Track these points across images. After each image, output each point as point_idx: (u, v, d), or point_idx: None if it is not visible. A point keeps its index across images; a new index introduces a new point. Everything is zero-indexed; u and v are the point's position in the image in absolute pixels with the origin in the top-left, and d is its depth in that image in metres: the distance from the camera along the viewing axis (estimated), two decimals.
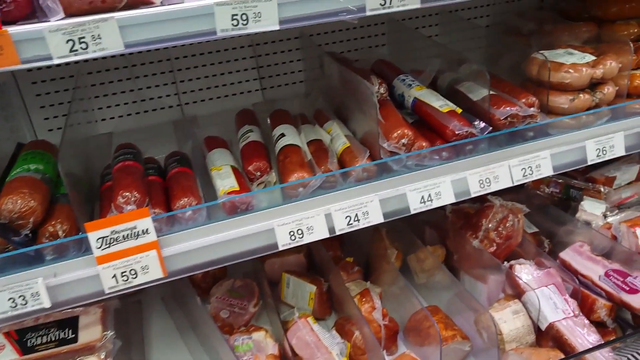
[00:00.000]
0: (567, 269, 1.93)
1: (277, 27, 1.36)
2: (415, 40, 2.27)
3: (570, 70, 1.79)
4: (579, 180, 2.43)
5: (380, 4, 1.43)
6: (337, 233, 1.63)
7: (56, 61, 1.22)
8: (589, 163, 1.86)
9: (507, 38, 2.54)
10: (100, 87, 2.24)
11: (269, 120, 2.00)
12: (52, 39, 1.20)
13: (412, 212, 1.69)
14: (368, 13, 1.42)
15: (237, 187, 1.60)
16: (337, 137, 1.85)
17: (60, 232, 1.47)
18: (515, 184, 1.79)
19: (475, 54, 2.55)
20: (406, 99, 1.93)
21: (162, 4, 1.29)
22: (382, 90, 1.81)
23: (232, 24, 1.32)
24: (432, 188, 1.71)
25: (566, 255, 1.96)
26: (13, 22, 1.24)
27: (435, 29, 2.63)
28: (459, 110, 1.79)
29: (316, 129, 1.97)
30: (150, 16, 1.26)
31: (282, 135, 1.84)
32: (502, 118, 1.72)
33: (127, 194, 1.49)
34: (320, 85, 2.31)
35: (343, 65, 1.96)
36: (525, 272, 1.85)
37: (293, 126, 1.93)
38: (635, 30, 2.23)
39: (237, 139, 1.98)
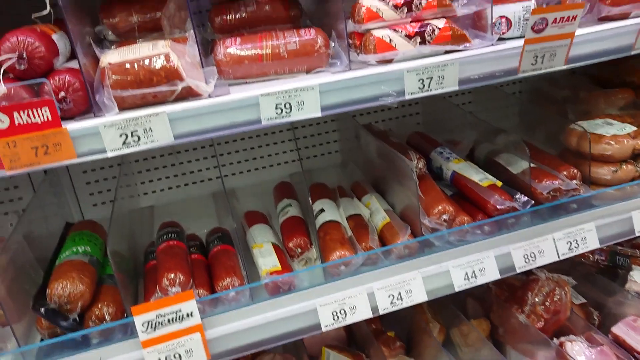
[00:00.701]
0: (622, 346, 1.84)
1: (319, 114, 1.40)
2: (449, 110, 2.29)
3: (611, 142, 1.78)
4: (625, 247, 2.35)
5: (419, 88, 1.46)
6: (381, 313, 1.61)
7: (110, 154, 1.28)
8: (637, 234, 1.81)
9: (540, 106, 2.55)
10: (144, 162, 2.31)
11: (309, 194, 2.02)
12: (106, 133, 1.26)
13: (457, 289, 1.66)
14: (407, 97, 1.45)
15: (279, 267, 1.60)
16: (376, 212, 1.86)
17: (106, 315, 1.49)
18: (561, 258, 1.75)
19: (509, 122, 2.54)
20: (444, 171, 1.93)
21: (210, 97, 1.35)
22: (420, 165, 1.82)
23: (276, 113, 1.37)
24: (475, 264, 1.68)
25: (619, 330, 1.88)
26: (71, 118, 1.31)
27: (469, 96, 2.65)
28: (499, 184, 1.78)
29: (355, 202, 1.98)
30: (199, 109, 1.32)
31: (322, 210, 1.85)
32: (544, 193, 1.70)
33: (171, 276, 1.51)
34: (356, 156, 2.34)
35: (380, 139, 1.99)
36: (577, 349, 1.77)
37: (332, 200, 1.95)
38: None
39: (277, 213, 2.00)
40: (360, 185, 2.07)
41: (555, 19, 1.43)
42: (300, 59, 1.46)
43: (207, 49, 1.61)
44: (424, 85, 1.46)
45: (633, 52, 1.61)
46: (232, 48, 1.44)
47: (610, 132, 1.81)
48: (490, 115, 2.54)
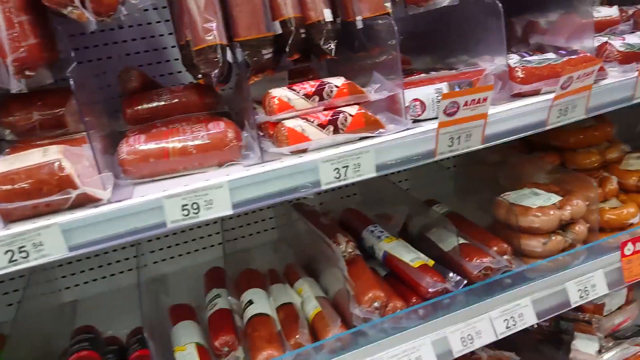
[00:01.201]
0: None
1: (230, 212, 1.32)
2: (384, 184, 2.26)
3: (538, 214, 1.77)
4: (568, 311, 2.32)
5: (336, 177, 1.41)
6: None
7: None
8: (573, 306, 1.78)
9: (475, 170, 2.56)
10: None
11: (236, 282, 1.92)
12: None
13: None
14: (323, 187, 1.40)
15: None
16: (308, 300, 1.76)
17: None
18: (500, 337, 1.69)
19: (446, 189, 2.54)
20: (376, 251, 1.87)
21: (109, 202, 1.25)
22: (349, 248, 1.75)
23: (183, 215, 1.28)
24: (411, 353, 1.60)
25: None
26: None
27: None
28: (431, 263, 1.73)
29: (287, 289, 1.88)
30: (97, 217, 1.22)
31: (250, 302, 1.75)
32: (475, 272, 1.65)
33: None
34: (290, 236, 2.26)
35: (310, 220, 1.93)
36: None
37: (262, 288, 1.85)
38: (596, 158, 2.26)
39: (205, 304, 1.88)
40: (293, 269, 1.98)
41: (467, 101, 1.43)
42: (210, 154, 1.40)
43: (118, 141, 1.52)
44: (340, 175, 1.41)
45: (547, 128, 1.62)
46: (136, 146, 1.36)
47: (537, 203, 1.80)
48: (428, 184, 2.53)
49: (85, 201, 1.25)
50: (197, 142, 1.38)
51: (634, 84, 1.70)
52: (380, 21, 1.52)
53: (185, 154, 1.37)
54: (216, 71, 1.37)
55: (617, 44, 1.75)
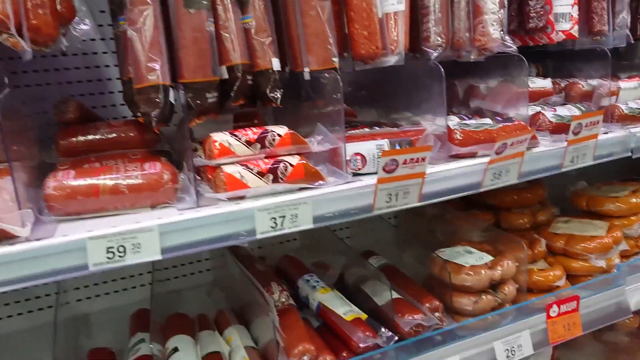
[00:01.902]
0: None
1: (159, 257, 1.27)
2: (323, 233, 2.25)
3: (470, 272, 1.80)
4: None
5: (272, 227, 1.39)
6: None
7: None
8: None
9: (414, 222, 2.60)
10: None
11: (163, 326, 1.83)
12: None
13: None
14: (259, 237, 1.38)
15: None
16: (236, 349, 1.70)
17: None
18: None
19: (386, 237, 2.56)
20: (311, 302, 1.84)
21: (27, 239, 1.18)
22: (283, 298, 1.72)
23: (107, 258, 1.22)
24: None
25: None
26: None
27: None
28: (364, 317, 1.71)
29: (215, 337, 1.81)
30: (11, 254, 1.14)
31: (175, 350, 1.67)
32: (406, 329, 1.65)
33: None
34: (225, 279, 2.21)
35: (245, 266, 1.89)
36: None
37: (189, 335, 1.77)
38: (528, 219, 2.34)
39: (128, 349, 1.79)
40: (225, 316, 1.92)
41: (405, 160, 1.46)
42: (143, 194, 1.35)
43: (47, 173, 1.45)
44: (276, 224, 1.39)
45: (482, 189, 1.67)
46: (64, 181, 1.30)
47: (469, 262, 1.84)
48: (369, 234, 2.54)
49: (2, 237, 1.17)
50: (130, 182, 1.33)
51: (562, 153, 1.80)
52: (327, 74, 1.54)
53: (116, 193, 1.32)
54: (156, 111, 1.34)
55: (549, 114, 1.86)
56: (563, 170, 1.83)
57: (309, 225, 1.43)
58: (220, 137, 1.42)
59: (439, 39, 1.78)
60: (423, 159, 1.49)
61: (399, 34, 1.65)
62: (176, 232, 1.29)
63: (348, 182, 1.50)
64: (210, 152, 1.41)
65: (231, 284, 2.09)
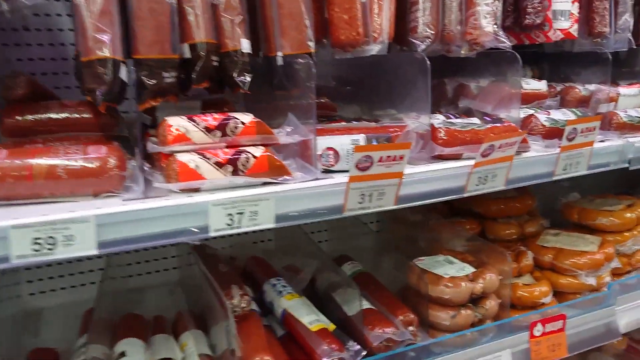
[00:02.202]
0: None
1: (94, 252, 1.13)
2: (297, 234, 2.11)
3: (449, 284, 1.66)
4: None
5: (228, 224, 1.25)
6: None
7: None
8: None
9: (395, 227, 2.46)
10: None
11: (115, 327, 1.68)
12: None
13: None
14: (212, 234, 1.23)
15: None
16: (189, 357, 1.56)
17: None
18: None
19: (366, 241, 2.42)
20: (276, 308, 1.70)
21: None
22: (243, 303, 1.58)
23: (34, 250, 1.08)
24: None
25: None
26: None
27: None
28: (332, 328, 1.57)
29: (169, 342, 1.66)
30: None
31: (122, 355, 1.52)
32: (375, 343, 1.51)
33: None
34: (189, 278, 2.06)
35: (208, 266, 1.74)
36: None
37: (141, 339, 1.63)
38: (515, 230, 2.21)
39: (75, 349, 1.64)
40: (183, 320, 1.77)
41: (381, 157, 1.32)
42: (84, 181, 1.20)
43: None
44: (233, 221, 1.25)
45: (465, 194, 1.54)
46: None
47: (449, 272, 1.70)
48: (348, 237, 2.40)
49: None
50: (69, 166, 1.19)
51: (555, 160, 1.66)
52: (300, 60, 1.40)
53: (53, 177, 1.18)
54: (103, 88, 1.20)
55: (542, 117, 1.72)
56: (555, 178, 1.70)
57: (270, 224, 1.29)
58: (176, 122, 1.28)
59: (428, 29, 1.65)
60: (401, 157, 1.35)
61: (382, 21, 1.51)
62: (117, 224, 1.14)
63: (317, 179, 1.36)
64: (163, 137, 1.27)
65: (194, 284, 1.94)
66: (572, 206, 2.25)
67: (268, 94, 1.60)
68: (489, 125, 1.58)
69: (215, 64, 1.38)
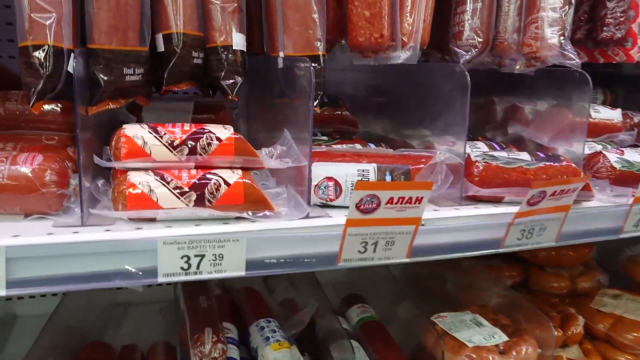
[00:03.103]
0: None
1: (2, 293, 0.88)
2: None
3: (473, 356, 1.33)
4: None
5: (183, 268, 0.97)
6: None
7: None
8: None
9: (422, 266, 2.14)
10: None
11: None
12: None
13: None
14: (161, 279, 0.96)
15: None
16: None
17: None
18: None
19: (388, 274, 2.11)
20: (259, 358, 1.42)
21: None
22: (215, 354, 1.30)
23: None
24: None
25: None
26: None
27: None
28: None
29: None
30: None
31: None
32: None
33: None
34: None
35: (188, 300, 1.49)
36: None
37: None
38: (566, 283, 1.85)
39: None
40: (154, 353, 1.52)
41: (392, 198, 1.01)
42: (7, 197, 0.96)
43: None
44: (190, 265, 0.97)
45: (502, 250, 1.20)
46: None
47: (475, 339, 1.37)
48: (366, 273, 2.10)
49: None
50: None
51: (624, 214, 1.30)
52: (302, 64, 1.11)
53: None
54: (39, 82, 0.94)
55: (612, 157, 1.36)
56: (623, 236, 1.33)
57: (238, 271, 1.01)
58: (134, 131, 1.01)
59: (475, 37, 1.32)
60: (419, 200, 1.03)
61: (415, 22, 1.19)
62: (31, 260, 0.89)
63: (308, 217, 1.06)
64: (116, 150, 1.01)
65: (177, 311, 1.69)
66: (638, 262, 1.85)
67: (271, 102, 1.32)
68: (541, 164, 1.23)
69: (197, 61, 1.11)
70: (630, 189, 1.31)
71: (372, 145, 1.30)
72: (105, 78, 1.00)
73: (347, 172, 1.12)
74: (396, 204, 1.03)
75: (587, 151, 1.43)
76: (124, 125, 1.03)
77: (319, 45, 1.14)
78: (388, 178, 1.12)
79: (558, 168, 1.23)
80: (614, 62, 1.50)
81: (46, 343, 1.40)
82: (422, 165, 1.15)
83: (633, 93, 1.96)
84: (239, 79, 1.14)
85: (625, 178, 1.34)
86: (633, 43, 1.44)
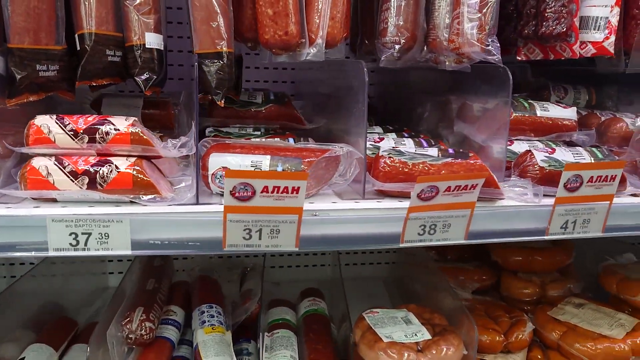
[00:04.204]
0: None
1: None
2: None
3: (389, 352, 1.33)
4: None
5: (72, 244, 1.07)
6: None
7: None
8: None
9: (404, 262, 2.14)
10: None
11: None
12: None
13: None
14: (52, 253, 1.07)
15: None
16: None
17: None
18: None
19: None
20: (193, 340, 1.50)
21: None
22: (142, 330, 1.39)
23: None
24: None
25: None
26: None
27: None
28: None
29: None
30: None
31: None
32: None
33: None
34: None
35: (139, 280, 1.60)
36: None
37: (55, 346, 1.53)
38: (534, 290, 1.78)
39: None
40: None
41: (267, 187, 1.06)
42: None
43: None
44: (78, 242, 1.07)
45: (403, 245, 1.20)
46: None
47: (395, 335, 1.37)
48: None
49: None
50: None
51: (547, 215, 1.25)
52: (207, 61, 1.18)
53: None
54: None
55: (539, 156, 1.30)
56: (549, 237, 1.28)
57: (124, 250, 1.09)
58: (42, 120, 1.13)
59: (399, 34, 1.33)
60: (295, 190, 1.07)
61: (321, 19, 1.23)
62: None
63: (198, 204, 1.13)
64: (26, 137, 1.13)
65: None
66: (614, 272, 1.73)
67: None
68: (446, 160, 1.22)
69: (114, 58, 1.22)
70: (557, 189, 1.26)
71: (291, 141, 1.35)
72: (20, 73, 1.13)
73: (240, 162, 1.17)
74: (272, 192, 1.07)
75: (520, 149, 1.39)
76: (38, 116, 1.15)
77: (222, 43, 1.21)
78: (280, 169, 1.16)
79: (463, 165, 1.21)
80: (562, 57, 1.44)
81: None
82: (315, 159, 1.18)
83: (626, 93, 1.85)
84: (154, 75, 1.23)
85: (553, 177, 1.28)
86: (575, 38, 1.37)
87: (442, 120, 1.64)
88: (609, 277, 1.72)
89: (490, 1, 1.27)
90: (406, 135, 1.50)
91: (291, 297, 1.86)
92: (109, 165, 1.10)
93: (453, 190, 1.14)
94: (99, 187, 1.09)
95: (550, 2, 1.36)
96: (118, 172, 1.10)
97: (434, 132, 1.67)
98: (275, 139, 1.37)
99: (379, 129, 1.62)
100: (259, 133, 1.47)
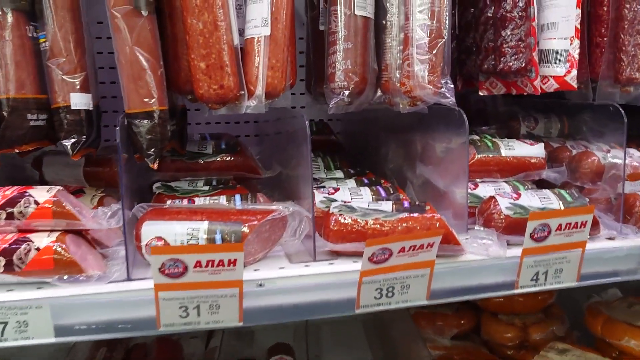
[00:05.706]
0: None
1: None
2: None
3: None
4: None
5: None
6: None
7: None
8: None
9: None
10: None
11: None
12: None
13: None
14: None
15: None
16: None
17: None
18: None
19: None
20: None
21: None
22: None
23: None
24: None
25: None
26: None
27: None
28: None
29: None
30: None
31: None
32: None
33: None
34: None
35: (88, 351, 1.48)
36: None
37: None
38: (517, 334, 1.68)
39: None
40: None
41: (200, 262, 0.96)
42: None
43: None
44: None
45: (358, 312, 1.10)
46: None
47: None
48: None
49: None
50: None
51: (515, 267, 1.16)
52: (139, 121, 1.09)
53: None
54: None
55: (504, 203, 1.21)
56: (519, 291, 1.18)
57: (47, 338, 0.99)
58: None
59: (346, 78, 1.25)
60: (232, 262, 0.97)
61: (260, 69, 1.14)
62: None
63: (130, 280, 1.03)
64: None
65: None
66: (599, 312, 1.63)
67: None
68: (401, 215, 1.12)
69: (37, 122, 1.13)
70: (523, 237, 1.16)
71: (237, 199, 1.25)
72: None
73: (176, 231, 1.08)
74: (207, 267, 0.97)
75: (486, 195, 1.30)
76: None
77: (152, 101, 1.12)
78: (218, 237, 1.07)
79: (419, 219, 1.12)
80: (525, 93, 1.36)
81: None
82: (257, 222, 1.09)
83: (598, 121, 1.77)
84: (82, 138, 1.14)
85: (520, 226, 1.19)
86: (535, 73, 1.29)
87: (407, 160, 1.55)
88: (594, 318, 1.61)
89: (441, 41, 1.19)
90: (366, 181, 1.41)
91: (263, 346, 1.76)
92: (27, 244, 1.00)
93: (408, 250, 1.05)
94: (16, 269, 0.99)
95: (507, 37, 1.28)
96: (38, 250, 1.00)
97: (399, 172, 1.58)
98: (222, 196, 1.27)
99: (339, 174, 1.54)
100: (207, 189, 1.37)
